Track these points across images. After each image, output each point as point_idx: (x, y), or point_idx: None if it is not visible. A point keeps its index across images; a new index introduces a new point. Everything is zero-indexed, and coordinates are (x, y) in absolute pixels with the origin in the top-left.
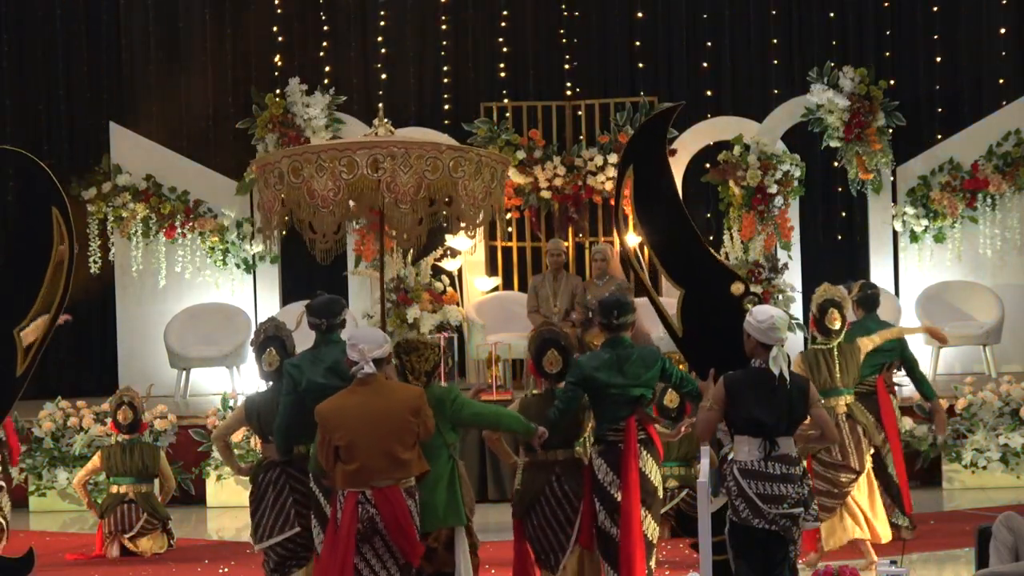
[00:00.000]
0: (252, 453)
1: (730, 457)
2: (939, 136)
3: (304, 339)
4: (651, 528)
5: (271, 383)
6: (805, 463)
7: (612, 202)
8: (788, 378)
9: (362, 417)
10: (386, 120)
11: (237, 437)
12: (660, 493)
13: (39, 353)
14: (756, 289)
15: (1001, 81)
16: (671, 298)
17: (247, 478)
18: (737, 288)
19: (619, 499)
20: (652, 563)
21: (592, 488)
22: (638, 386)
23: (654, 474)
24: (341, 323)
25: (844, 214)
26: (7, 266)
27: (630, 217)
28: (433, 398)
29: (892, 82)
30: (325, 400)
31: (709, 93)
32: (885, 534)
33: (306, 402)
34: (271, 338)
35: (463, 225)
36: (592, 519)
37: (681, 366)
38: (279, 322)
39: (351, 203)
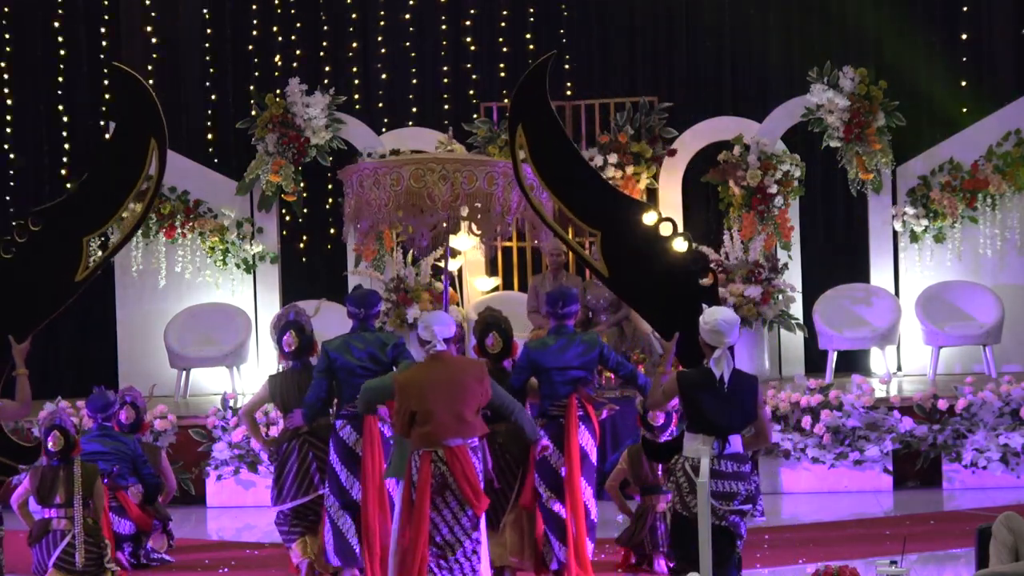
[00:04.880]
0: (251, 453)
1: (683, 453)
2: (939, 136)
3: (321, 325)
4: (590, 499)
5: (291, 363)
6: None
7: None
8: (728, 380)
9: (434, 386)
10: (454, 141)
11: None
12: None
13: (100, 267)
14: (756, 289)
15: (1001, 81)
16: None
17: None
18: (651, 218)
19: (561, 473)
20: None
21: (535, 461)
22: (579, 368)
23: (590, 447)
24: (376, 314)
25: (844, 214)
26: (92, 178)
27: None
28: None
29: (892, 82)
30: (402, 373)
31: (709, 93)
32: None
33: (338, 380)
34: (291, 322)
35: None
36: (534, 488)
37: (660, 369)
38: (299, 308)
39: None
